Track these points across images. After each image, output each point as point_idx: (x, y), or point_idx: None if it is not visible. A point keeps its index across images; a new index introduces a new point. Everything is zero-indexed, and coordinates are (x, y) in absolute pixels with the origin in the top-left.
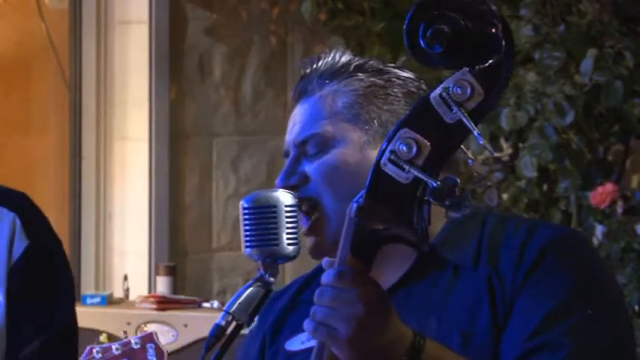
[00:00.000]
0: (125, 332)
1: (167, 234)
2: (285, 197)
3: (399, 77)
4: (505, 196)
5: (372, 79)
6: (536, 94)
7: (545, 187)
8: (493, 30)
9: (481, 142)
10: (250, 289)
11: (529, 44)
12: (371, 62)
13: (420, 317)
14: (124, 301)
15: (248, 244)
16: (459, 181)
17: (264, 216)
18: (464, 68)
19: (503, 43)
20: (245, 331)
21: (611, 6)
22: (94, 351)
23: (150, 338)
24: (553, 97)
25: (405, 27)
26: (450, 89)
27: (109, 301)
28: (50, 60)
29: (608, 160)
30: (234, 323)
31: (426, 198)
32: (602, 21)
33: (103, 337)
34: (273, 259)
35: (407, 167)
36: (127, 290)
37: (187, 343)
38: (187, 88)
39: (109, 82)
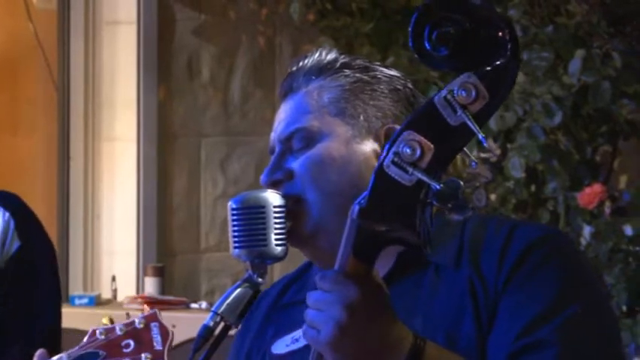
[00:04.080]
0: (128, 313)
1: (155, 234)
2: (273, 198)
3: (384, 75)
4: (493, 197)
5: (358, 75)
6: (525, 95)
7: (533, 187)
8: (499, 33)
9: (486, 144)
10: (239, 290)
11: None
12: (357, 60)
13: (405, 318)
14: (112, 302)
15: (236, 244)
16: (462, 183)
17: (252, 217)
18: (469, 71)
19: (509, 46)
20: (233, 332)
21: (600, 7)
22: (97, 332)
23: (154, 317)
24: (541, 98)
25: (410, 29)
26: (455, 92)
27: (97, 301)
28: (38, 60)
29: (596, 160)
30: (222, 324)
31: (429, 200)
32: (590, 22)
33: (105, 319)
34: (261, 259)
35: (410, 170)
36: (115, 291)
37: (175, 343)
38: (176, 89)
39: (97, 83)
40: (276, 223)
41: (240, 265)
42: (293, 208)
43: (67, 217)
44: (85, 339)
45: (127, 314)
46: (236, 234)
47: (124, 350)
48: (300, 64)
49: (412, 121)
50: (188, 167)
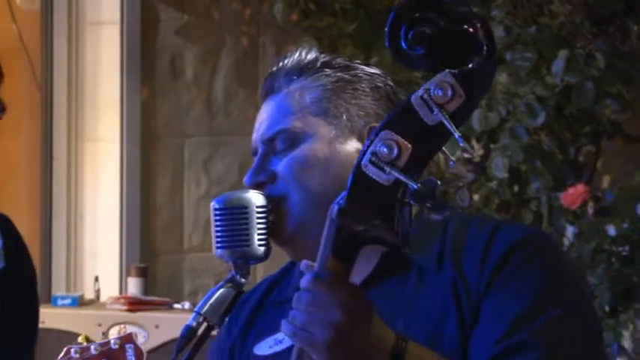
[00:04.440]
0: (104, 333)
1: (138, 235)
2: (256, 198)
3: (365, 73)
4: (476, 197)
5: (339, 74)
6: (508, 95)
7: (516, 187)
8: (474, 32)
9: (462, 144)
10: (221, 290)
11: (501, 45)
12: (338, 59)
13: (387, 319)
14: (95, 302)
15: (219, 245)
16: (439, 183)
17: (235, 217)
18: (445, 70)
19: (485, 44)
20: (216, 332)
21: (583, 7)
22: (72, 351)
23: (129, 339)
24: (524, 98)
25: (386, 29)
26: (432, 91)
27: (80, 302)
28: (22, 61)
29: (579, 160)
30: (205, 324)
31: (406, 200)
32: (573, 22)
33: (81, 338)
34: (244, 260)
35: (388, 169)
36: (98, 291)
37: (158, 344)
38: (159, 89)
39: (81, 83)
40: (258, 223)
41: (224, 266)
42: (275, 208)
43: (50, 218)
44: (60, 358)
45: (103, 334)
46: (219, 234)
47: None
48: (281, 64)
49: (389, 120)
50: (171, 167)
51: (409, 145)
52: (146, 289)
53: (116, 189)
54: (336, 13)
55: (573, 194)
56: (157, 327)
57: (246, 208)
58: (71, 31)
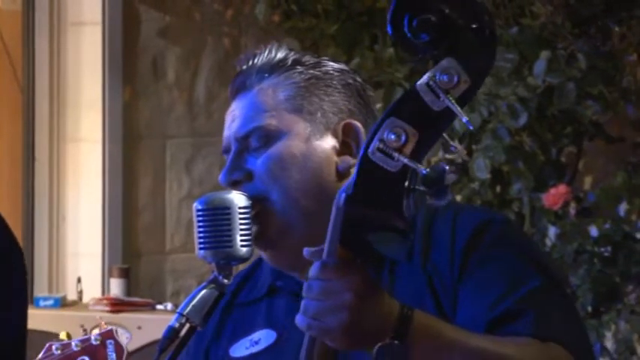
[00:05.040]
0: (85, 330)
1: (120, 236)
2: (238, 199)
3: (335, 69)
4: (459, 198)
5: (311, 71)
6: (490, 96)
7: (498, 188)
8: (476, 17)
9: (471, 127)
10: (204, 291)
11: None
12: (307, 56)
13: None
14: (77, 304)
15: (202, 245)
16: (447, 168)
17: (217, 218)
18: (449, 56)
19: (487, 29)
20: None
21: (564, 8)
22: (54, 347)
23: (109, 335)
24: (506, 99)
25: (389, 17)
26: (437, 77)
27: (62, 303)
28: (3, 61)
29: (561, 161)
30: (187, 325)
31: (413, 186)
32: (555, 23)
33: (62, 335)
34: (226, 260)
35: (396, 156)
36: (80, 292)
37: (141, 345)
38: (141, 90)
39: (62, 84)
40: (241, 224)
41: (206, 267)
42: (259, 211)
43: (32, 219)
44: (41, 354)
45: (84, 330)
46: (201, 235)
47: None
48: (251, 62)
49: (395, 107)
50: (153, 168)
51: (416, 132)
52: (128, 290)
53: (98, 190)
54: (318, 14)
55: (555, 195)
56: (139, 328)
57: (228, 208)
58: (53, 32)
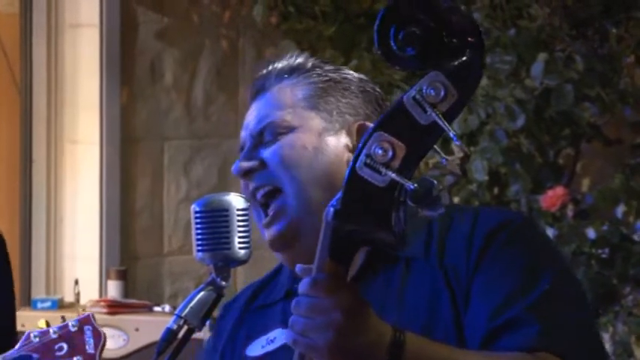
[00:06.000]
0: (63, 317)
1: (118, 238)
2: (237, 201)
3: (354, 77)
4: (456, 200)
5: (330, 74)
6: (487, 98)
7: (496, 190)
8: (464, 31)
9: (458, 143)
10: (202, 293)
11: None
12: (327, 63)
13: (379, 314)
14: (74, 306)
15: (200, 247)
16: (435, 182)
17: (215, 220)
18: (436, 70)
19: (474, 43)
20: (198, 334)
21: (562, 10)
22: (32, 335)
23: (87, 320)
24: (504, 101)
25: (375, 28)
26: (424, 91)
27: (59, 305)
28: (0, 63)
29: (558, 163)
30: (185, 327)
31: (402, 200)
32: (552, 25)
33: (41, 323)
34: (224, 262)
35: (383, 170)
36: (77, 294)
37: (138, 347)
38: (138, 92)
39: (60, 86)
40: (239, 226)
41: (204, 269)
42: (266, 199)
43: (29, 220)
44: (20, 342)
45: (62, 317)
46: (199, 237)
47: (57, 353)
48: (271, 66)
49: (382, 121)
50: (151, 170)
51: (403, 146)
52: (126, 292)
53: (96, 192)
54: (315, 16)
55: (552, 197)
56: (137, 330)
57: (226, 210)
58: (50, 34)
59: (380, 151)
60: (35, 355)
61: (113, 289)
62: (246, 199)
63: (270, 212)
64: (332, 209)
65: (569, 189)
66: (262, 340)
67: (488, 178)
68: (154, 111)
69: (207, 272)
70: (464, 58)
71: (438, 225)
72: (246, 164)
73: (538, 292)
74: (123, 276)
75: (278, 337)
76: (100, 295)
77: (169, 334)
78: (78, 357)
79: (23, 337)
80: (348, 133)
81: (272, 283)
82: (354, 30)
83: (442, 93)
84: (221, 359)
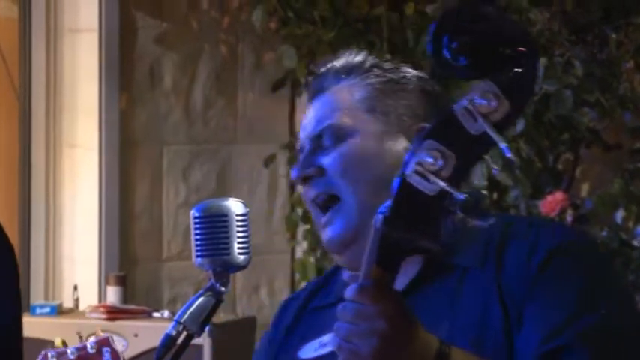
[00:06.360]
0: (80, 336)
1: (117, 243)
2: (236, 206)
3: (414, 75)
4: None
5: (388, 74)
6: None
7: (495, 195)
8: (516, 41)
9: (508, 155)
10: (201, 299)
11: None
12: (386, 62)
13: (432, 323)
14: (73, 311)
15: (199, 253)
16: (485, 193)
17: (215, 225)
18: (488, 79)
19: (527, 53)
20: (197, 340)
21: (561, 15)
22: (49, 355)
23: (105, 342)
24: None
25: (429, 38)
26: (475, 100)
27: (58, 310)
28: None
29: (557, 168)
30: (185, 333)
31: (451, 209)
32: (551, 30)
33: (57, 341)
34: (224, 268)
35: (432, 179)
36: (76, 300)
37: (138, 352)
38: (138, 97)
39: (59, 90)
40: (238, 231)
41: (203, 274)
42: (325, 204)
43: (28, 225)
44: None
45: (80, 337)
46: (199, 242)
47: None
48: (329, 65)
49: (433, 130)
50: (150, 175)
51: (453, 155)
52: (125, 297)
53: (95, 196)
54: (314, 21)
55: (552, 202)
56: (136, 335)
57: (225, 216)
58: (49, 39)
59: (430, 160)
60: None
61: (112, 295)
62: (316, 194)
63: (329, 215)
64: (381, 216)
65: (569, 194)
66: (315, 342)
67: (487, 184)
68: (153, 115)
69: (206, 278)
70: (516, 69)
71: (496, 236)
72: (305, 171)
73: (592, 320)
74: (122, 282)
75: (332, 341)
76: (99, 300)
77: (168, 340)
78: None
79: (40, 356)
80: (407, 137)
81: (330, 284)
82: (353, 35)
83: (493, 103)
84: (274, 357)
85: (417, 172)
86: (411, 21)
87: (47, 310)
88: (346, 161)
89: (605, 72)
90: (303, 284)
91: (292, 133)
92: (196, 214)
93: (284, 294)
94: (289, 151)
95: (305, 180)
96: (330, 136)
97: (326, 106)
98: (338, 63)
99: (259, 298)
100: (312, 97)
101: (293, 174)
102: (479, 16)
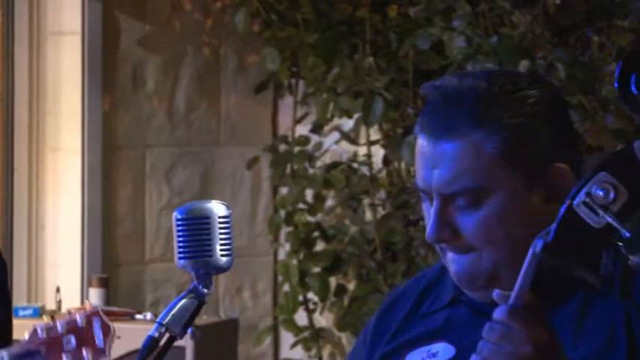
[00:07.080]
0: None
1: (100, 245)
2: (218, 208)
3: (545, 100)
4: None
5: (519, 119)
6: None
7: None
8: None
9: None
10: (184, 301)
11: (462, 56)
12: (518, 93)
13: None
14: (56, 313)
15: (181, 255)
16: None
17: (197, 227)
18: None
19: None
20: (180, 342)
21: (543, 18)
22: (39, 329)
23: (95, 314)
24: None
25: (616, 74)
26: None
27: (41, 313)
28: None
29: None
30: (167, 335)
31: (614, 244)
32: (534, 33)
33: (46, 317)
34: (206, 270)
35: (601, 212)
36: (59, 302)
37: (120, 355)
38: (120, 99)
39: (42, 93)
40: (221, 233)
41: (186, 276)
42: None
43: (11, 228)
44: (27, 337)
45: (69, 311)
46: (181, 244)
47: (65, 347)
48: (455, 96)
49: (606, 162)
50: (133, 178)
51: (626, 191)
52: (107, 299)
53: (77, 199)
54: (297, 24)
55: None
56: (118, 338)
57: (208, 218)
58: (32, 41)
59: (601, 193)
60: (43, 350)
61: (95, 297)
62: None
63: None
64: (541, 241)
65: None
66: (423, 351)
67: None
68: (136, 118)
69: (188, 280)
70: None
71: (623, 262)
72: (441, 235)
73: None
74: (104, 284)
75: (441, 352)
76: (82, 302)
77: (151, 342)
78: (87, 350)
79: (29, 332)
80: (545, 183)
81: (439, 286)
82: (336, 37)
83: None
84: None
85: (585, 203)
86: (394, 23)
87: (30, 312)
88: (487, 226)
89: (587, 74)
90: (286, 286)
91: (275, 135)
92: (179, 216)
93: (267, 296)
94: (272, 153)
95: (441, 242)
96: (465, 198)
97: (457, 160)
98: (466, 100)
99: (242, 300)
100: (435, 138)
101: (429, 234)
102: None
